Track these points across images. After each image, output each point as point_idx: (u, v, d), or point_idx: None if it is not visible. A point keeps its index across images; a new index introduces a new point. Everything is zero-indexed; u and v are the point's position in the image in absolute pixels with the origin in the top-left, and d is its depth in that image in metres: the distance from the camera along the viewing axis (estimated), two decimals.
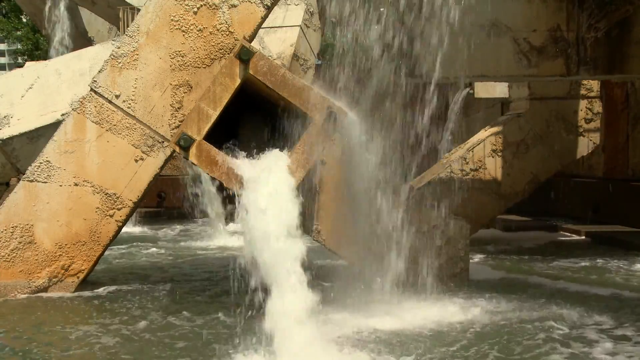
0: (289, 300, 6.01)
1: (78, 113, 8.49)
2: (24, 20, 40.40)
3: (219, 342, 6.23)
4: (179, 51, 8.33)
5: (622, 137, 15.01)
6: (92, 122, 8.43)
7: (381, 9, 8.96)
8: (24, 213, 8.40)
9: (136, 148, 8.43)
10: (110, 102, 8.42)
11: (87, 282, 8.67)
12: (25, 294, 8.30)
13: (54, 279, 8.42)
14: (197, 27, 8.31)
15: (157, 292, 8.50)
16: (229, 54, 8.12)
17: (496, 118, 14.79)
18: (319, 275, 6.95)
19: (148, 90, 8.39)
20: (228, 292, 8.39)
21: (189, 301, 8.13)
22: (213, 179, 7.86)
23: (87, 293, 8.41)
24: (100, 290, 8.54)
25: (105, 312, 7.54)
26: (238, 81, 7.57)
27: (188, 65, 8.34)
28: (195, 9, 8.31)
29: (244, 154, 7.30)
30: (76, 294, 8.37)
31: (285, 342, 5.80)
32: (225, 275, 9.69)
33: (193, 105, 7.91)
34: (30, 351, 6.20)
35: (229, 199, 7.60)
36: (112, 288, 8.66)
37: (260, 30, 10.17)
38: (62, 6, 18.36)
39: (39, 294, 8.30)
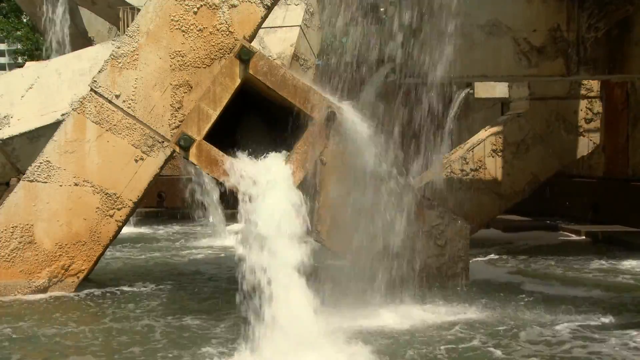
0: (287, 301, 6.01)
1: (78, 113, 8.50)
2: (24, 20, 40.41)
3: (217, 342, 6.23)
4: (179, 51, 8.34)
5: (622, 137, 15.00)
6: (92, 122, 8.44)
7: (381, 9, 8.96)
8: (24, 213, 8.40)
9: (136, 148, 8.44)
10: (110, 102, 8.42)
11: (87, 282, 8.67)
12: (25, 294, 8.30)
13: (54, 279, 8.43)
14: (197, 27, 8.31)
15: (157, 292, 8.50)
16: (229, 54, 8.12)
17: (496, 118, 14.79)
18: (318, 275, 6.93)
19: (148, 90, 8.39)
20: (227, 292, 8.41)
21: (189, 300, 8.13)
22: (214, 178, 7.86)
23: (87, 293, 8.41)
24: (100, 290, 8.53)
25: (105, 312, 7.54)
26: (238, 81, 7.57)
27: (188, 65, 8.35)
28: (195, 9, 8.31)
29: (244, 154, 7.29)
30: (76, 293, 8.37)
31: (281, 342, 5.81)
32: (225, 275, 9.70)
33: (193, 105, 7.91)
34: (30, 349, 6.21)
35: (230, 199, 7.59)
36: (112, 288, 8.66)
37: (260, 30, 10.17)
38: (61, 6, 18.32)
39: (39, 294, 8.31)
